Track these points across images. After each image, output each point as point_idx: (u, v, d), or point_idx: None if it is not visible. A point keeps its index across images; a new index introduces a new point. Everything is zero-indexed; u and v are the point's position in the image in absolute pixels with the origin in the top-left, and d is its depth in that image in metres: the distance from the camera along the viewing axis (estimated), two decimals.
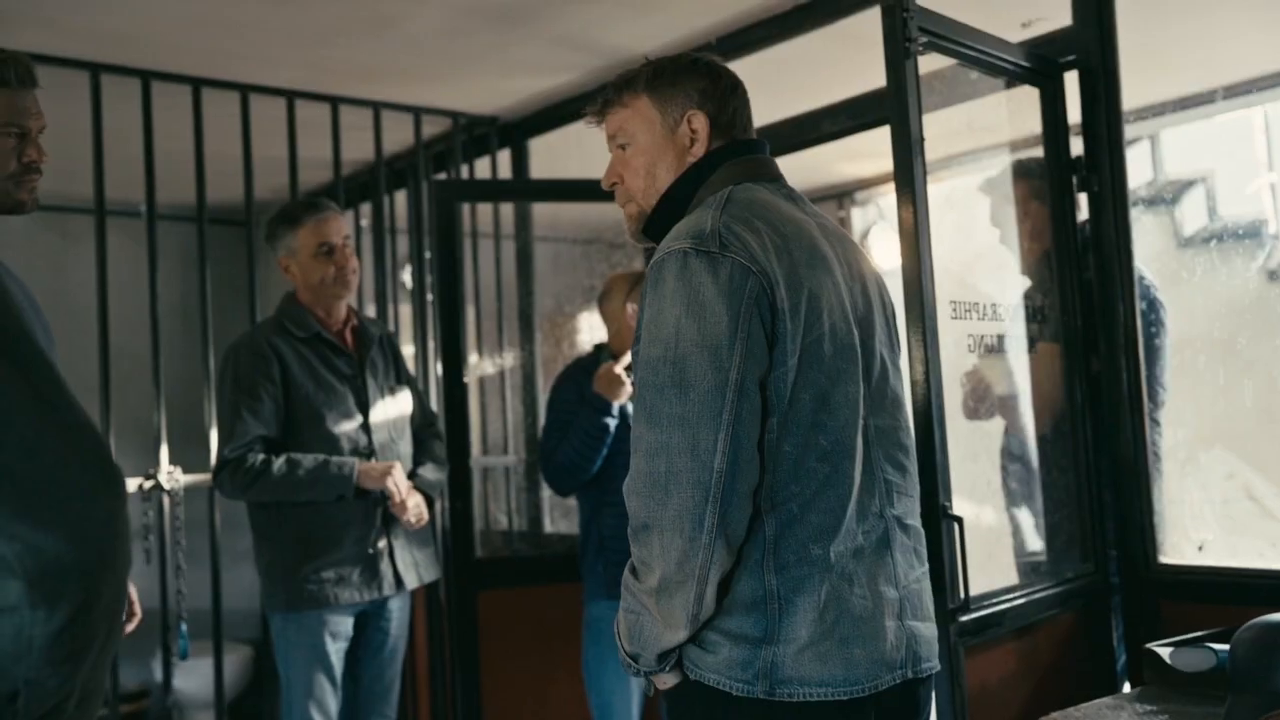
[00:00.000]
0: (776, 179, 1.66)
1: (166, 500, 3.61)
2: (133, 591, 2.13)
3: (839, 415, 1.50)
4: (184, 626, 3.50)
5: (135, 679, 4.68)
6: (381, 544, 2.88)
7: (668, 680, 1.52)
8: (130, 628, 2.14)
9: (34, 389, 0.79)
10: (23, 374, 0.80)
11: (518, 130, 4.35)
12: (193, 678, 4.29)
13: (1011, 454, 2.72)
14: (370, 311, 4.37)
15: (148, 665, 4.62)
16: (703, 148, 1.64)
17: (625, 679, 3.08)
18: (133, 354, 3.87)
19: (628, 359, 3.05)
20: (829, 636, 1.45)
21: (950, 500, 2.19)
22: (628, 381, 3.01)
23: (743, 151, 1.65)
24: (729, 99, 1.66)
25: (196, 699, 4.46)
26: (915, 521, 1.62)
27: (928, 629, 1.58)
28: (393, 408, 3.03)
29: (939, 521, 2.14)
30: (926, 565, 1.63)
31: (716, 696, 1.47)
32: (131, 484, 3.50)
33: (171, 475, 3.60)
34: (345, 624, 2.89)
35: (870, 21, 2.47)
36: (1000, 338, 2.58)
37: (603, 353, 3.21)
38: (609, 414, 3.02)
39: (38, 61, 3.27)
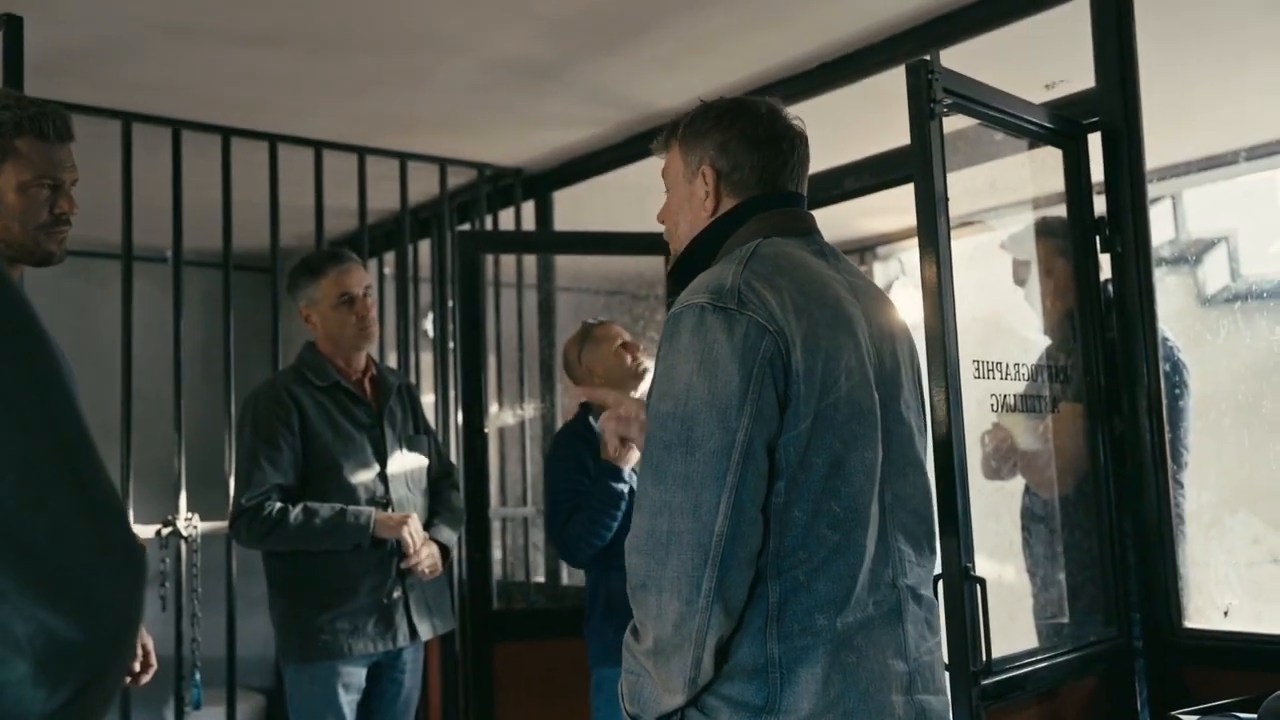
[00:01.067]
0: (809, 234, 1.62)
1: (184, 546, 3.61)
2: (149, 642, 2.12)
3: (853, 481, 1.46)
4: (198, 675, 3.49)
5: None
6: (397, 594, 2.87)
7: None
8: (146, 679, 2.14)
9: (73, 469, 0.79)
10: (65, 453, 0.80)
11: (542, 182, 4.39)
12: None
13: (1034, 514, 2.70)
14: (392, 359, 4.39)
15: (160, 713, 4.59)
16: (712, 203, 1.62)
17: None
18: (155, 399, 3.89)
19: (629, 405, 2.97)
20: (832, 709, 1.41)
21: (973, 561, 2.16)
22: (633, 444, 2.88)
23: (775, 204, 1.61)
24: (749, 154, 1.60)
25: None
26: (928, 591, 1.57)
27: (939, 701, 1.53)
28: (410, 458, 3.03)
29: (961, 583, 2.12)
30: (940, 636, 1.59)
31: None
32: (149, 530, 3.51)
33: (190, 522, 3.60)
34: (358, 675, 2.87)
35: (894, 79, 2.49)
36: (1023, 397, 2.57)
37: (590, 411, 3.10)
38: (621, 480, 2.88)
39: (71, 110, 3.33)
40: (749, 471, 1.39)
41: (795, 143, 1.64)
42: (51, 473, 0.77)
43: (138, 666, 2.12)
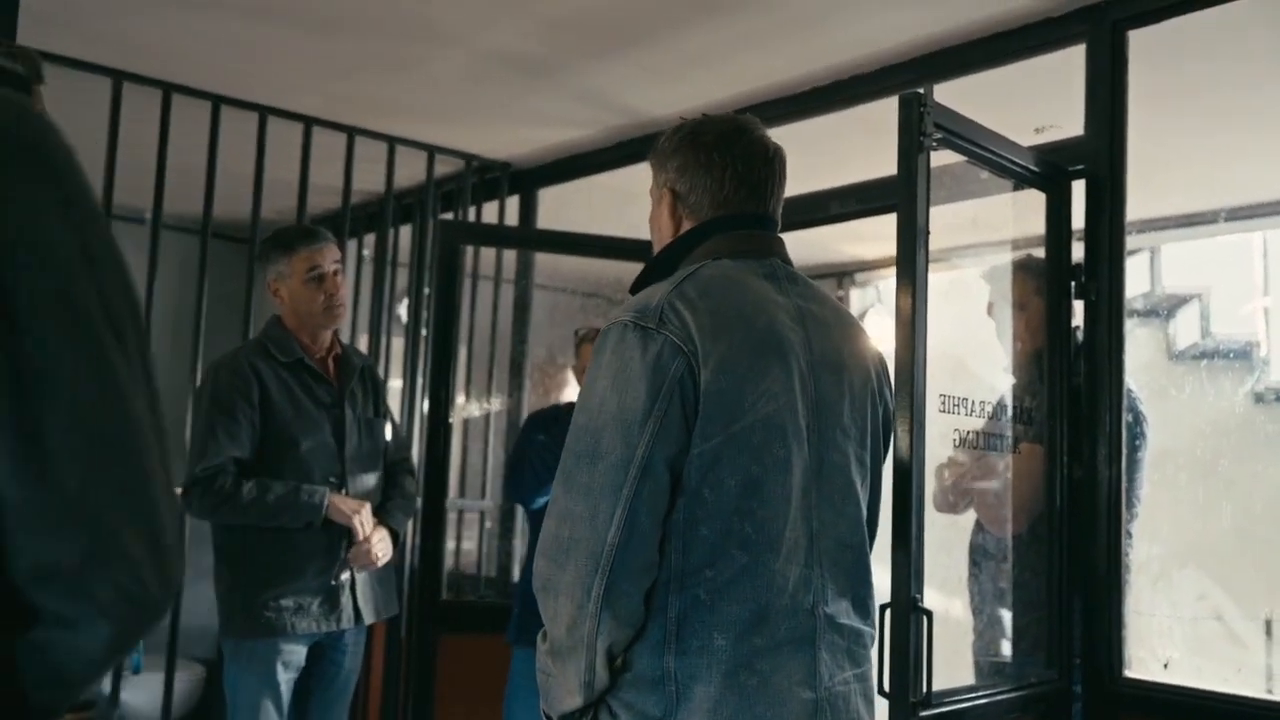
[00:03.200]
0: (764, 256, 1.62)
1: None
2: None
3: (770, 505, 1.46)
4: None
5: None
6: (344, 576, 2.86)
7: None
8: None
9: (160, 431, 0.82)
10: (158, 426, 0.83)
11: (529, 178, 4.39)
12: (142, 693, 4.21)
13: (985, 551, 2.72)
14: (363, 343, 4.37)
15: None
16: (673, 224, 1.65)
17: None
18: None
19: None
20: None
21: (921, 593, 2.18)
22: None
23: (734, 226, 1.62)
24: (704, 176, 1.61)
25: (143, 714, 4.38)
26: (852, 621, 1.56)
27: None
28: (368, 439, 3.02)
29: (908, 613, 2.13)
30: (865, 667, 1.58)
31: None
32: None
33: None
34: (299, 653, 2.86)
35: (886, 109, 2.51)
36: (985, 434, 2.59)
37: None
38: None
39: (63, 64, 3.31)
40: (645, 486, 1.42)
41: (759, 160, 1.64)
42: (154, 450, 0.79)
43: None
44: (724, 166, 1.62)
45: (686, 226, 1.64)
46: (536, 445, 3.11)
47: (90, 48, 3.31)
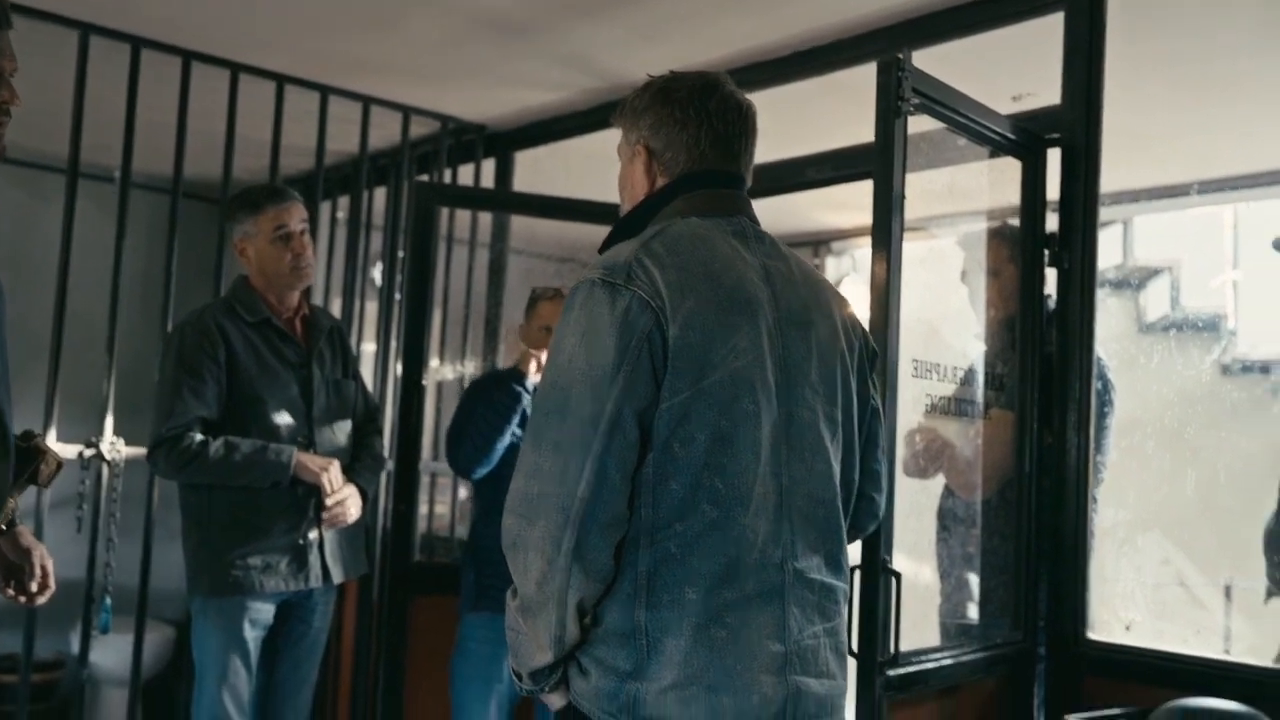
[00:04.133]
0: (733, 214, 1.63)
1: (106, 470, 3.56)
2: (49, 564, 2.08)
3: (740, 459, 1.48)
4: (108, 600, 3.44)
5: (51, 649, 4.59)
6: (312, 535, 2.86)
7: (554, 701, 1.53)
8: (41, 600, 2.09)
9: None
10: None
11: (505, 141, 4.36)
12: (110, 653, 4.21)
13: (955, 516, 2.75)
14: (337, 305, 4.35)
15: (66, 636, 4.53)
16: (647, 182, 1.65)
17: (487, 698, 3.07)
18: (89, 320, 3.82)
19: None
20: (695, 681, 1.44)
21: (890, 555, 2.20)
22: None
23: (703, 184, 1.63)
24: (680, 133, 1.62)
25: (112, 675, 4.38)
26: (823, 576, 1.57)
27: (822, 685, 1.54)
28: (336, 400, 3.01)
29: (877, 575, 2.16)
30: (835, 622, 1.59)
31: None
32: (71, 450, 3.45)
33: (114, 446, 3.54)
34: (267, 612, 2.86)
35: (863, 76, 2.51)
36: (957, 400, 2.61)
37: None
38: (522, 384, 3.08)
39: (28, 15, 3.25)
40: (615, 441, 1.43)
41: (733, 116, 1.65)
42: None
43: (35, 586, 2.07)
44: (698, 123, 1.63)
45: (661, 183, 1.64)
46: (475, 417, 3.11)
47: (58, 0, 3.26)
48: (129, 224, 3.65)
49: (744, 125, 1.66)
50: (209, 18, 3.38)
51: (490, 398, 3.10)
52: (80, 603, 3.52)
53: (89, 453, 3.51)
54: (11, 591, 2.05)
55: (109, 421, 3.56)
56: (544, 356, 3.09)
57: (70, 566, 2.22)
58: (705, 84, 1.65)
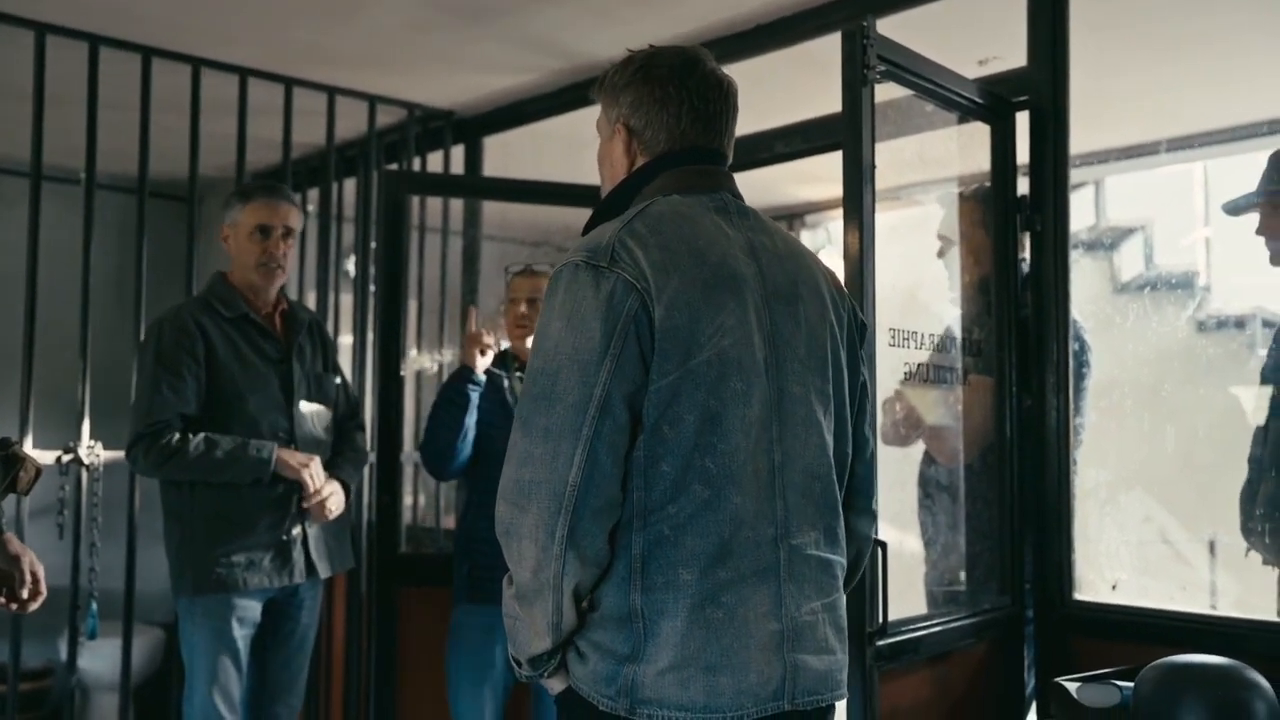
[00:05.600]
0: (714, 190, 1.62)
1: (85, 475, 3.53)
2: (39, 570, 2.07)
3: (730, 439, 1.47)
4: (94, 605, 3.42)
5: (39, 657, 4.56)
6: (296, 531, 2.85)
7: (554, 686, 1.52)
8: (33, 606, 2.08)
9: None
10: None
11: (473, 126, 4.33)
12: (99, 658, 4.18)
13: (938, 483, 2.76)
14: (311, 298, 4.32)
15: (53, 644, 4.50)
16: (628, 160, 1.63)
17: (480, 687, 3.07)
18: (60, 324, 3.77)
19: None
20: (693, 662, 1.44)
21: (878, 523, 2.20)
22: (490, 349, 3.06)
23: (684, 161, 1.62)
24: (660, 111, 1.61)
25: (102, 680, 4.36)
26: (821, 552, 1.56)
27: (821, 662, 1.54)
28: (317, 395, 2.99)
29: None
30: (834, 596, 1.59)
31: (587, 708, 1.47)
32: (49, 456, 3.42)
33: (92, 450, 3.51)
34: (253, 610, 2.85)
35: (830, 47, 2.50)
36: (936, 368, 2.61)
37: (506, 357, 3.21)
38: (469, 380, 3.02)
39: None
40: (605, 425, 1.42)
41: (714, 94, 1.64)
42: None
43: (25, 593, 2.06)
44: (680, 100, 1.61)
45: (641, 162, 1.63)
46: (433, 418, 3.08)
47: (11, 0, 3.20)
48: (96, 225, 3.60)
49: (725, 103, 1.65)
50: (168, 12, 3.33)
51: (444, 397, 3.07)
52: (66, 609, 3.50)
53: (67, 458, 3.48)
54: (2, 599, 2.05)
55: (85, 426, 3.53)
56: (487, 345, 3.05)
57: (54, 573, 2.20)
58: (686, 60, 1.63)
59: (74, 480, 3.53)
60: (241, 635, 2.82)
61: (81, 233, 3.56)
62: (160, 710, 4.47)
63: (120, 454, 3.26)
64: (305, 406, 2.94)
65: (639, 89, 1.62)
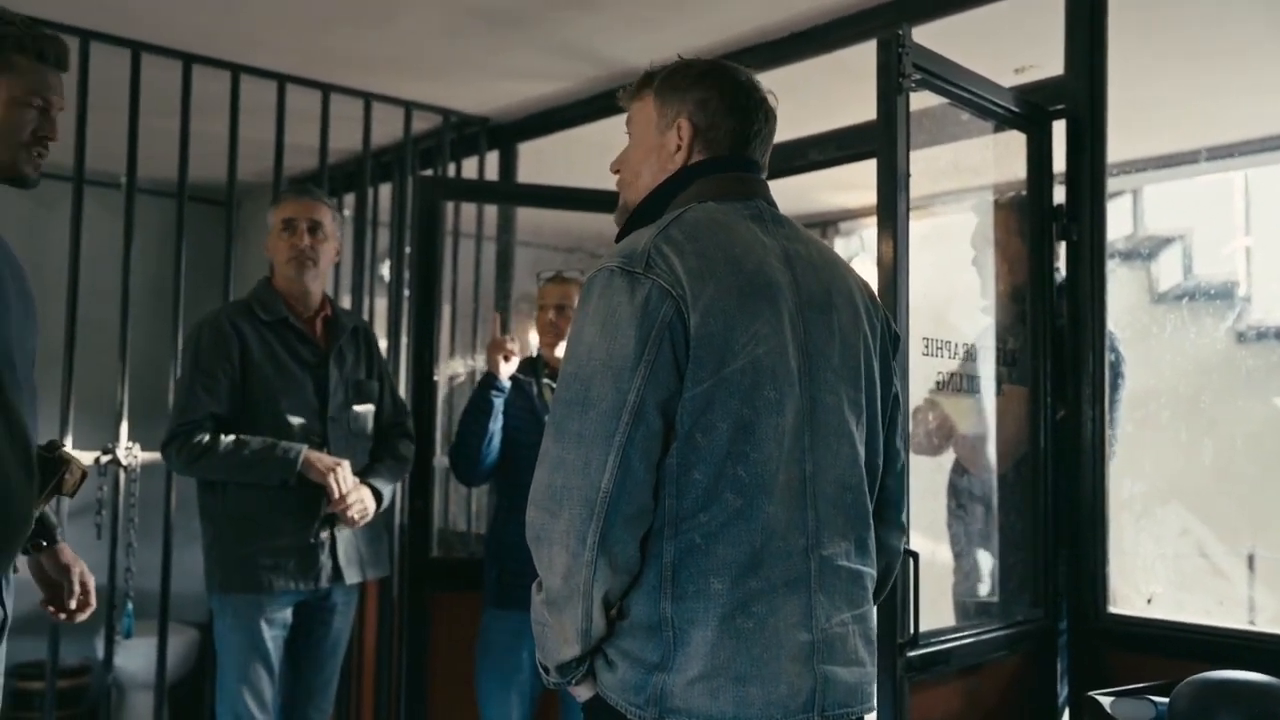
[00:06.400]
0: (750, 198, 1.62)
1: (123, 476, 3.57)
2: (90, 581, 2.09)
3: (763, 448, 1.46)
4: (130, 605, 3.46)
5: (76, 655, 4.62)
6: (324, 535, 2.86)
7: (581, 693, 1.52)
8: (82, 617, 2.10)
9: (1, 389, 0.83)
10: None
11: (507, 133, 4.35)
12: (135, 657, 4.24)
13: (970, 494, 2.74)
14: (345, 302, 4.35)
15: (90, 642, 4.56)
16: (684, 156, 1.63)
17: (508, 692, 3.08)
18: (101, 327, 3.83)
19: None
20: (722, 672, 1.43)
21: (907, 535, 2.19)
22: (514, 355, 3.08)
23: (722, 169, 1.62)
24: (726, 117, 1.62)
25: (137, 679, 4.41)
26: (853, 563, 1.56)
27: (851, 674, 1.53)
28: (355, 400, 3.01)
29: None
30: (864, 608, 1.58)
31: (615, 716, 1.47)
32: (88, 457, 3.47)
33: (130, 451, 3.56)
34: (283, 612, 2.87)
35: (864, 55, 2.49)
36: (969, 377, 2.60)
37: (534, 362, 3.24)
38: (493, 387, 3.06)
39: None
40: (638, 432, 1.42)
41: (766, 116, 1.67)
42: None
43: (73, 604, 2.08)
44: (742, 110, 1.63)
45: (697, 159, 1.63)
46: (459, 427, 3.11)
47: (56, 7, 3.25)
48: (136, 229, 3.65)
49: (767, 124, 1.68)
50: (208, 20, 3.37)
51: (469, 403, 3.11)
52: (103, 608, 3.54)
53: (106, 459, 3.53)
54: (51, 608, 2.06)
55: (124, 428, 3.57)
56: (510, 352, 3.08)
57: (92, 572, 2.24)
58: (749, 78, 1.67)
59: (112, 481, 3.57)
60: (271, 636, 2.85)
61: (122, 236, 3.61)
62: (194, 709, 4.52)
63: (158, 455, 3.31)
64: (341, 411, 2.96)
65: (710, 90, 1.63)
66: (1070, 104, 2.66)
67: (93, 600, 2.11)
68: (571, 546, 1.41)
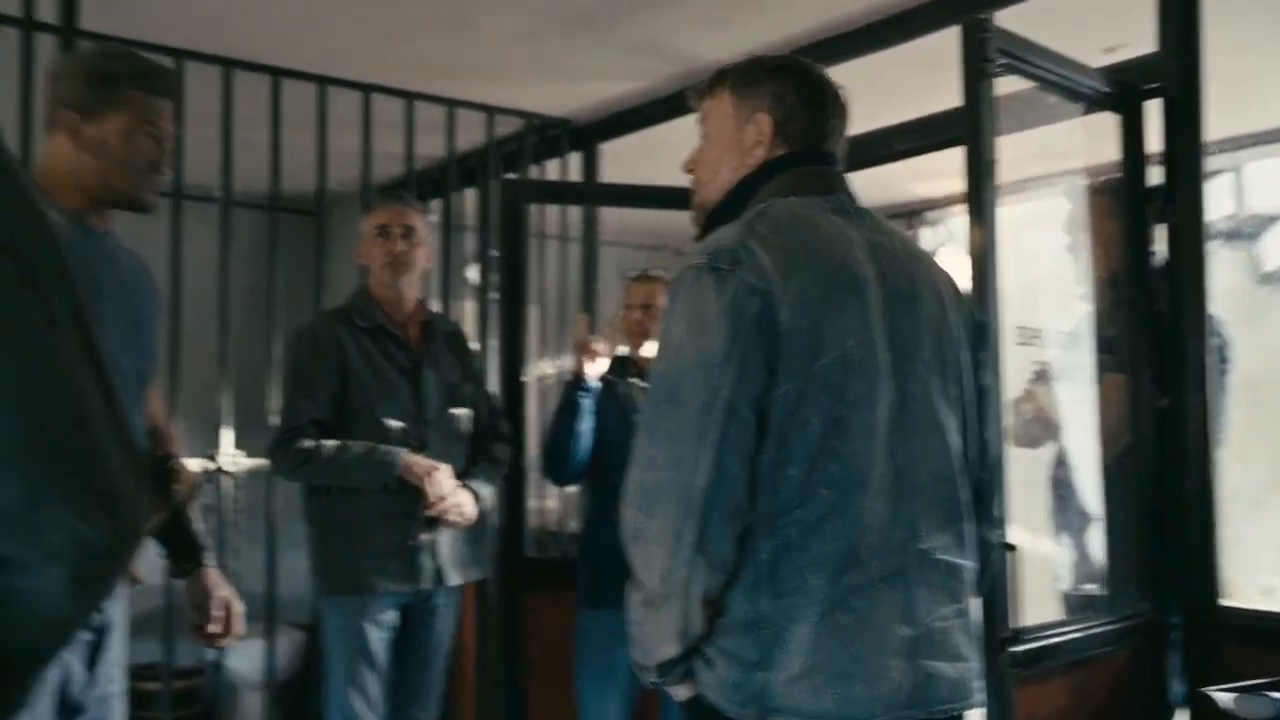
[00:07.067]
0: (831, 191, 1.61)
1: (227, 482, 3.68)
2: (235, 607, 2.14)
3: (855, 442, 1.45)
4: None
5: (190, 657, 4.76)
6: (424, 537, 2.90)
7: (680, 693, 1.52)
8: (225, 643, 2.15)
9: (107, 392, 0.85)
10: (102, 377, 0.86)
11: (589, 133, 4.37)
12: (245, 658, 4.35)
13: (1071, 485, 2.68)
14: (434, 306, 4.41)
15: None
16: (763, 152, 1.62)
17: (606, 691, 3.08)
18: (201, 338, 3.94)
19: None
20: (824, 669, 1.42)
21: (1005, 528, 2.15)
22: (601, 355, 3.08)
23: (801, 162, 1.62)
24: (803, 110, 1.61)
25: (248, 679, 4.53)
26: (952, 556, 1.53)
27: (954, 669, 1.51)
28: (451, 404, 3.05)
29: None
30: (963, 603, 1.55)
31: (716, 715, 1.46)
32: (194, 464, 3.57)
33: (233, 458, 3.66)
34: (387, 613, 2.92)
35: (947, 41, 2.45)
36: (1065, 366, 2.54)
37: (624, 361, 3.24)
38: (580, 388, 3.06)
39: (124, 45, 3.36)
40: (731, 429, 1.41)
41: (840, 110, 1.67)
42: (95, 396, 0.83)
43: (214, 628, 2.13)
44: (818, 104, 1.63)
45: (777, 153, 1.62)
46: (560, 429, 3.11)
47: (150, 29, 3.35)
48: (232, 241, 3.75)
49: (841, 119, 1.67)
50: (294, 35, 3.45)
51: (558, 405, 3.13)
52: None
53: (210, 466, 3.63)
54: (196, 629, 2.12)
55: (227, 435, 3.67)
56: (597, 352, 3.08)
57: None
58: (823, 74, 1.67)
59: (217, 487, 3.68)
60: (377, 637, 2.90)
61: (218, 248, 3.71)
62: (302, 708, 4.62)
63: (260, 461, 3.40)
64: (438, 415, 3.00)
65: (785, 84, 1.62)
66: (1164, 82, 2.58)
67: (237, 627, 2.14)
68: (668, 545, 1.41)
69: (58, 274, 0.84)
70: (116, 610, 1.96)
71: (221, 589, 2.12)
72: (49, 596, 0.83)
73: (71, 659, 1.82)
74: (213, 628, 2.12)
